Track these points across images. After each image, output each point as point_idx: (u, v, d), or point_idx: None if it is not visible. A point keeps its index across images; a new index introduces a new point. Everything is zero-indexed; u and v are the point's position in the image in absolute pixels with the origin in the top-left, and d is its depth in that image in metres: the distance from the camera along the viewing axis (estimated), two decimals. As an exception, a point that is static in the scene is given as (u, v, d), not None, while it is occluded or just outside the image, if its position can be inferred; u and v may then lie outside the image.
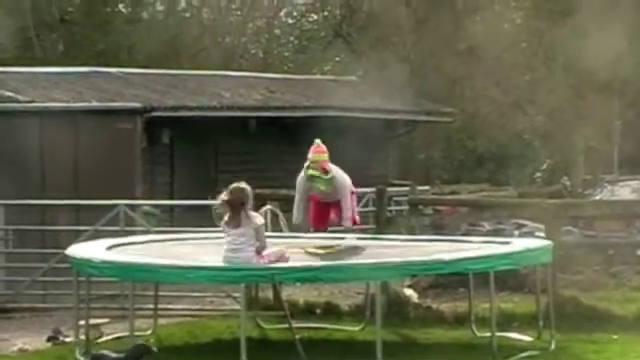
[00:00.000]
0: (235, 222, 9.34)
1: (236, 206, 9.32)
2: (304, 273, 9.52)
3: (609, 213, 13.77)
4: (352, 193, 10.17)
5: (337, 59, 30.17)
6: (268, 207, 13.53)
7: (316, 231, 10.50)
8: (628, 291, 12.69)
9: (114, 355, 8.82)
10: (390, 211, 14.76)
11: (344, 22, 29.23)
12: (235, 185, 9.44)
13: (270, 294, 11.90)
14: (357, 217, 10.38)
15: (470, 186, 21.26)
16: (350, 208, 9.96)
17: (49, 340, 10.99)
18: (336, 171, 10.04)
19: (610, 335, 10.69)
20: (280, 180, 18.13)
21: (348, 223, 10.19)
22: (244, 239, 9.31)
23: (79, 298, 10.28)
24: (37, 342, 10.93)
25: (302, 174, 10.10)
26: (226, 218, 9.39)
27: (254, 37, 30.20)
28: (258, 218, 9.52)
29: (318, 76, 26.32)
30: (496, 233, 13.94)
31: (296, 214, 10.47)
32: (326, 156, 10.04)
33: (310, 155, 10.01)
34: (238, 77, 21.78)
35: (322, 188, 10.07)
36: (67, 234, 12.29)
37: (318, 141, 10.07)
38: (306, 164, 10.00)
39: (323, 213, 10.12)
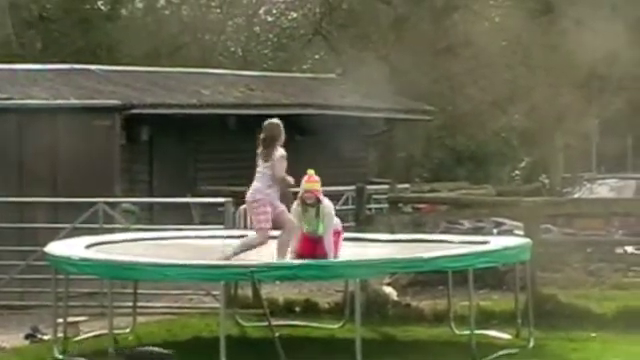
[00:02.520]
0: (265, 156, 9.98)
1: (267, 141, 9.92)
2: (283, 271, 9.52)
3: (588, 211, 13.84)
4: (337, 233, 10.08)
5: (317, 57, 30.19)
6: (248, 205, 13.52)
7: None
8: (607, 289, 12.75)
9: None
10: (370, 209, 14.77)
11: (324, 20, 29.22)
12: (269, 121, 10.11)
13: (249, 292, 11.88)
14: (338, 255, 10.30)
15: (449, 184, 21.33)
16: (331, 249, 9.92)
17: (27, 338, 10.93)
18: (328, 208, 9.99)
19: (589, 333, 10.74)
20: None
21: (331, 256, 10.13)
22: (265, 170, 9.90)
23: (57, 296, 10.24)
24: (15, 340, 10.88)
25: (295, 205, 10.08)
26: (259, 151, 10.03)
27: (234, 35, 30.14)
28: (279, 152, 9.94)
29: (298, 74, 26.30)
30: (475, 231, 13.99)
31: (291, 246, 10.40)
32: (318, 185, 9.98)
33: (303, 184, 10.00)
34: (218, 75, 21.74)
35: (318, 232, 9.97)
36: (45, 232, 12.21)
37: (311, 171, 10.06)
38: (299, 194, 10.01)
39: (309, 248, 10.11)
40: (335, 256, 10.02)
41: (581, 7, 22.47)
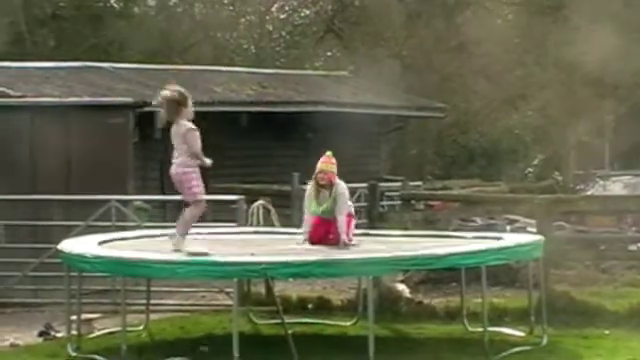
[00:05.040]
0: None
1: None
2: (297, 268, 9.51)
3: (601, 208, 13.79)
4: (349, 216, 10.08)
5: (329, 54, 30.17)
6: (260, 202, 13.54)
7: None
8: (619, 286, 12.72)
9: None
10: (382, 206, 14.77)
11: (336, 17, 29.21)
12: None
13: (262, 289, 11.90)
14: (352, 238, 10.27)
15: (462, 181, 21.29)
16: (344, 231, 9.90)
17: (40, 335, 10.97)
18: (341, 187, 9.96)
19: (602, 330, 10.72)
20: (272, 175, 18.15)
21: (343, 237, 10.08)
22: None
23: (71, 293, 10.26)
24: (28, 337, 10.91)
25: (309, 188, 10.04)
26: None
27: (246, 32, 30.16)
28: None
29: (310, 71, 26.30)
30: (488, 228, 13.96)
31: (305, 231, 10.34)
32: (334, 168, 9.97)
33: (319, 165, 9.97)
34: (230, 72, 21.75)
35: (327, 210, 9.93)
36: (59, 229, 12.25)
37: (329, 153, 10.03)
38: (314, 175, 9.97)
39: (322, 230, 10.10)
40: (348, 238, 10.02)
41: (593, 3, 22.40)
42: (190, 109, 9.77)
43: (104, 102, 15.22)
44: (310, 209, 10.12)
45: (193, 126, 9.72)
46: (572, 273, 12.86)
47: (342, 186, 10.02)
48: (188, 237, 9.78)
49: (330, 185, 9.92)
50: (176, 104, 9.63)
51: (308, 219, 10.16)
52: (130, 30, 26.70)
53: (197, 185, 9.71)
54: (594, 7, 22.32)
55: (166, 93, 9.67)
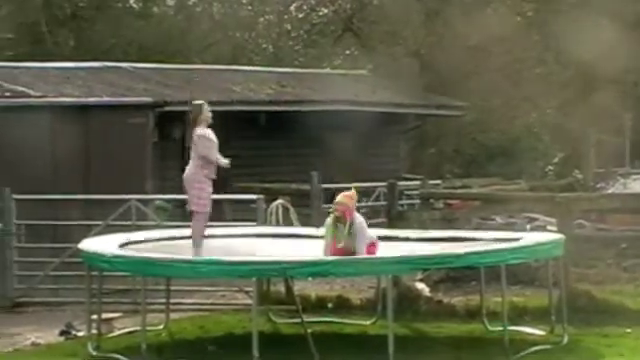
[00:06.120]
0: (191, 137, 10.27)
1: (191, 122, 10.28)
2: (316, 267, 9.52)
3: (621, 206, 13.72)
4: (372, 245, 10.01)
5: (347, 53, 30.14)
6: (279, 201, 13.54)
7: None
8: (641, 285, 12.65)
9: None
10: (401, 205, 14.74)
11: (354, 16, 29.17)
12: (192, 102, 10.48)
13: (282, 288, 11.91)
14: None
15: (481, 180, 21.22)
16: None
17: (61, 334, 11.02)
18: (359, 223, 9.91)
19: (623, 329, 10.66)
20: (291, 175, 18.15)
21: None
22: (193, 152, 10.21)
23: (91, 293, 10.31)
24: (50, 336, 10.97)
25: (328, 220, 10.08)
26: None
27: (264, 31, 30.18)
28: (197, 131, 10.15)
29: (328, 70, 26.29)
30: (507, 227, 13.92)
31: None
32: (352, 204, 9.89)
33: (337, 197, 10.00)
34: (249, 72, 21.78)
35: (347, 245, 9.90)
36: (79, 229, 12.31)
37: (353, 189, 10.03)
38: (331, 207, 10.05)
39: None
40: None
41: (613, 0, 22.28)
42: (206, 115, 10.22)
43: (124, 102, 15.28)
44: (327, 238, 10.04)
45: (203, 132, 10.05)
46: (593, 272, 12.79)
47: (359, 221, 9.90)
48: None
49: (344, 219, 9.83)
50: (191, 119, 10.23)
51: (327, 248, 10.06)
52: (149, 30, 26.78)
53: (199, 197, 9.98)
54: (613, 5, 22.19)
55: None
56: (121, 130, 14.02)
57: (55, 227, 12.94)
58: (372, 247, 9.97)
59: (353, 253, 9.78)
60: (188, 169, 10.19)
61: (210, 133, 10.23)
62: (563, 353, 9.81)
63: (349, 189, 10.12)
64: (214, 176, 10.14)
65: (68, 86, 16.98)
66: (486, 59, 25.79)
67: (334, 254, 9.84)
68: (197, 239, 10.17)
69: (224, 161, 10.10)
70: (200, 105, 10.37)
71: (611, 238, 13.91)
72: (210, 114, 10.35)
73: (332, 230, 9.88)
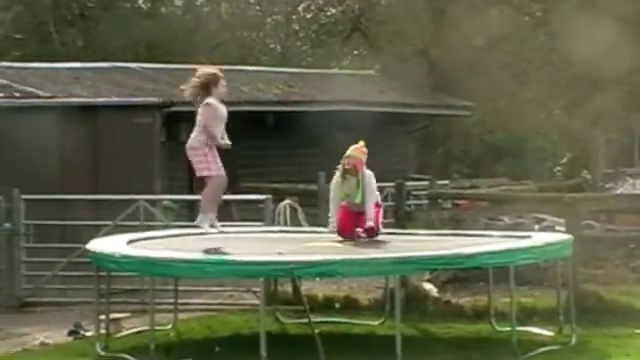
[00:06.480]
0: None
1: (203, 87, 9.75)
2: (323, 267, 9.51)
3: (630, 207, 13.69)
4: (377, 205, 10.02)
5: (355, 53, 30.13)
6: (287, 201, 13.56)
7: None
8: (649, 286, 12.62)
9: None
10: (409, 205, 14.74)
11: (362, 16, 29.16)
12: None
13: (289, 288, 11.91)
14: (380, 226, 10.21)
15: (489, 180, 21.21)
16: (372, 219, 9.83)
17: (70, 334, 11.04)
18: (368, 176, 9.88)
19: (632, 330, 10.64)
20: (299, 175, 18.16)
21: (370, 224, 10.01)
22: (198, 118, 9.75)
23: (99, 293, 10.32)
24: (58, 336, 10.98)
25: (336, 175, 9.98)
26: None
27: (272, 32, 30.19)
28: (206, 100, 9.69)
29: (336, 70, 26.29)
30: (516, 227, 13.90)
31: (332, 221, 10.31)
32: (363, 157, 9.88)
33: (348, 150, 9.92)
34: (257, 72, 21.79)
35: (356, 201, 9.87)
36: (87, 229, 12.33)
37: (362, 142, 9.98)
38: (341, 160, 9.91)
39: (351, 221, 10.06)
40: (377, 227, 9.96)
41: (621, 1, 22.24)
42: (221, 89, 9.79)
43: (132, 102, 15.30)
44: (336, 197, 9.99)
45: (212, 100, 9.66)
46: (601, 272, 12.77)
47: (369, 174, 9.87)
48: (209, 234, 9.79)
49: (355, 172, 9.80)
50: (203, 85, 9.72)
51: (334, 209, 10.03)
52: (157, 30, 26.81)
53: (206, 161, 9.68)
54: (620, 5, 22.16)
55: (195, 77, 9.76)
56: (129, 130, 14.03)
57: (63, 227, 12.96)
58: (377, 207, 9.95)
59: (362, 207, 9.71)
60: (192, 136, 9.77)
61: (219, 106, 9.75)
62: (571, 354, 9.79)
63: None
64: (217, 144, 9.70)
65: (77, 86, 17.01)
66: (493, 59, 25.76)
67: (343, 218, 9.79)
68: (205, 205, 9.83)
69: (224, 142, 9.68)
70: (215, 74, 9.85)
71: (619, 239, 13.88)
72: (225, 89, 9.85)
73: (340, 188, 9.82)
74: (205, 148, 9.71)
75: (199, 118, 9.79)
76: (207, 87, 9.79)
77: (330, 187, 10.19)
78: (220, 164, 9.78)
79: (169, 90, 17.77)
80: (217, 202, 9.89)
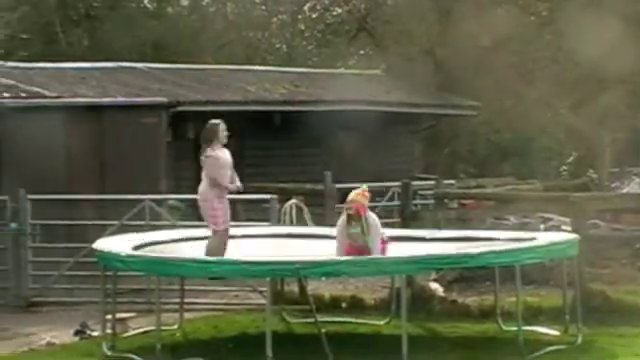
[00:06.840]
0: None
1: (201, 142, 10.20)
2: (329, 267, 9.52)
3: (636, 206, 13.67)
4: (384, 242, 10.03)
5: (361, 53, 30.13)
6: (293, 201, 13.56)
7: None
8: (655, 285, 12.60)
9: None
10: (415, 205, 14.73)
11: (368, 16, 29.16)
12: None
13: (295, 288, 11.92)
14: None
15: (495, 180, 21.18)
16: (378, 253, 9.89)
17: (76, 334, 11.06)
18: (372, 219, 9.92)
19: (638, 329, 10.62)
20: (304, 174, 18.16)
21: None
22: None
23: (106, 292, 10.34)
24: (64, 336, 11.01)
25: (341, 220, 10.06)
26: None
27: (278, 31, 30.20)
28: (207, 152, 10.08)
29: (342, 70, 26.28)
30: (522, 227, 13.89)
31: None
32: (364, 201, 9.92)
33: (350, 195, 10.00)
34: (263, 71, 21.80)
35: (362, 244, 9.91)
36: (93, 228, 12.36)
37: (364, 187, 10.04)
38: (344, 205, 10.04)
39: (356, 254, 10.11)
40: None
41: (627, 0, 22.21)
42: (221, 136, 10.14)
43: (138, 102, 15.32)
44: (341, 237, 10.03)
45: (212, 153, 10.02)
46: (607, 271, 12.75)
47: (372, 218, 9.93)
48: None
49: (358, 217, 9.85)
50: (205, 140, 10.12)
51: (341, 248, 10.04)
52: (163, 30, 26.82)
53: (214, 215, 9.99)
54: (626, 5, 22.12)
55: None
56: (135, 130, 14.06)
57: (70, 227, 12.99)
58: (383, 244, 9.98)
59: (367, 251, 9.77)
60: (200, 188, 10.21)
61: (221, 154, 10.13)
62: (577, 353, 9.78)
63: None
64: (225, 195, 10.13)
65: (83, 86, 17.03)
66: (499, 58, 25.73)
67: (348, 253, 9.83)
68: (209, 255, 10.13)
69: (234, 186, 10.07)
70: (216, 125, 10.20)
71: (626, 238, 13.86)
72: (226, 133, 10.22)
73: (345, 229, 9.88)
74: (214, 201, 10.05)
75: (204, 172, 10.18)
76: (210, 141, 10.17)
77: (336, 227, 10.19)
78: (228, 215, 10.20)
79: (175, 90, 17.81)
80: (221, 253, 10.15)
